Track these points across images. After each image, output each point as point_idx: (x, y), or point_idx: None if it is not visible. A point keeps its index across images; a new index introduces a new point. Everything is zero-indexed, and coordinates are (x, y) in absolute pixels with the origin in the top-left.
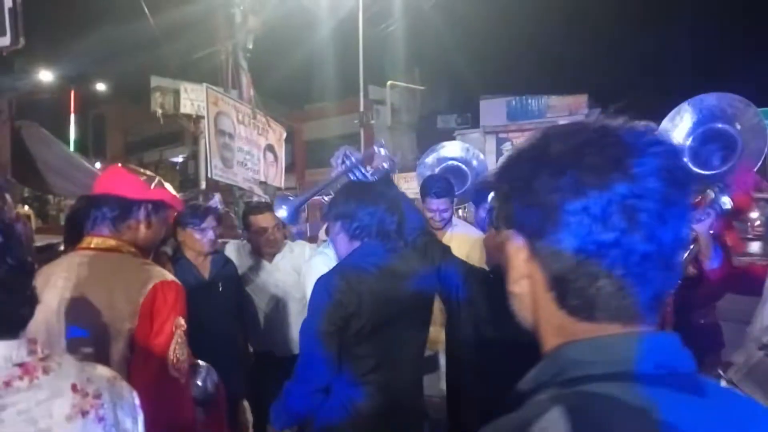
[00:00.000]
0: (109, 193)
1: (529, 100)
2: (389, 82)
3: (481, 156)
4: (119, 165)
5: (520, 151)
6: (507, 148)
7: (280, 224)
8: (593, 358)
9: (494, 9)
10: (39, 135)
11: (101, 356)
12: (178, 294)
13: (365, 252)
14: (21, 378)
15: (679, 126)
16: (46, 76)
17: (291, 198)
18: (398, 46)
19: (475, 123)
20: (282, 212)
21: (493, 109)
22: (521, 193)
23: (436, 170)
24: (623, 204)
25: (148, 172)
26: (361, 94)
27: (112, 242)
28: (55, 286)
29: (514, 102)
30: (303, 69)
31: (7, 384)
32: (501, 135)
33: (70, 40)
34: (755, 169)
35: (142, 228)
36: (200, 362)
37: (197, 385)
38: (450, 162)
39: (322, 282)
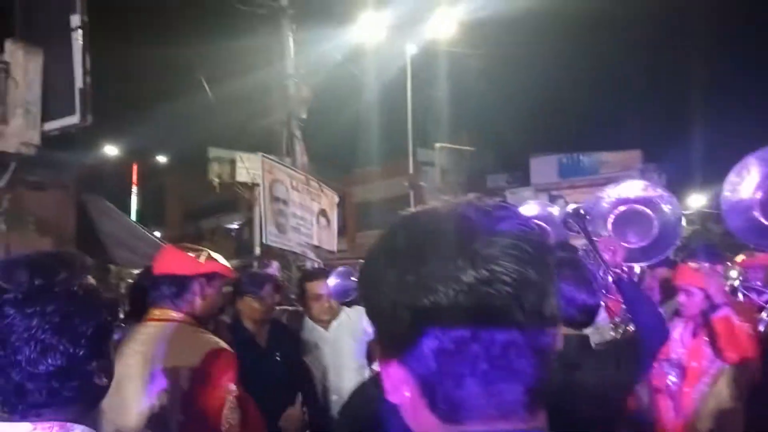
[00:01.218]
0: (166, 272)
1: (581, 157)
2: (438, 144)
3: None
4: (172, 245)
5: (372, 249)
6: (560, 206)
7: None
8: None
9: (542, 68)
10: (103, 207)
11: (160, 420)
12: (229, 360)
13: None
14: None
15: (747, 179)
16: (111, 150)
17: (354, 279)
18: (445, 109)
19: (525, 181)
20: (332, 280)
21: (544, 167)
22: (375, 297)
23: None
24: (473, 292)
25: (198, 247)
26: (411, 156)
27: (172, 314)
28: (124, 356)
29: (565, 159)
30: (353, 134)
31: None
32: (553, 192)
33: (133, 116)
34: None
35: (198, 300)
36: None
37: None
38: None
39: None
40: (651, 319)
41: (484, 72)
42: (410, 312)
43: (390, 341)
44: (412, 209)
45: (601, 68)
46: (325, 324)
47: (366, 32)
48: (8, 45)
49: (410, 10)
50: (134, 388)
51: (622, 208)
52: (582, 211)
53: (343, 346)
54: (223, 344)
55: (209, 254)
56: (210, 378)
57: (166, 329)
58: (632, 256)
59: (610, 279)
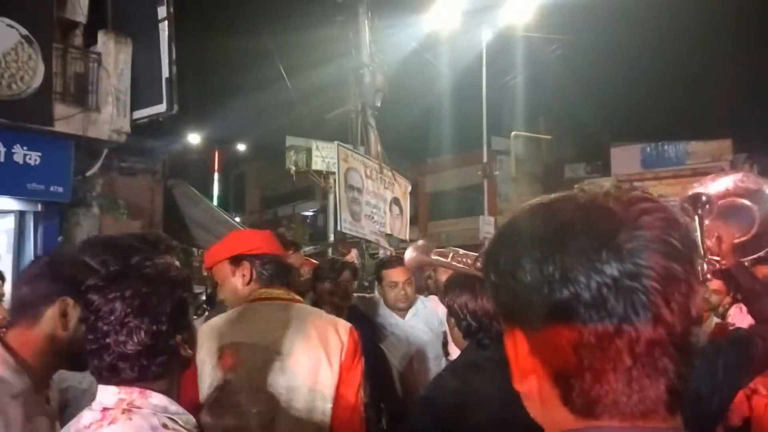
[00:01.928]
0: (278, 254)
1: (666, 147)
2: (513, 133)
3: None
4: (270, 231)
5: (502, 233)
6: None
7: (412, 279)
8: None
9: (623, 53)
10: (187, 192)
11: (309, 395)
12: (359, 338)
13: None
14: (101, 421)
15: None
16: (194, 138)
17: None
18: (522, 97)
19: (605, 171)
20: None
21: (625, 157)
22: (508, 284)
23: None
24: (618, 286)
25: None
26: (485, 145)
27: (293, 295)
28: (253, 335)
29: (648, 149)
30: (426, 123)
31: (87, 427)
32: (635, 184)
33: (216, 106)
34: None
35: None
36: None
37: None
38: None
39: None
40: None
41: (562, 57)
42: (549, 303)
43: (522, 330)
44: (549, 196)
45: (688, 52)
46: (401, 312)
47: (441, 19)
48: (101, 36)
49: None
50: (290, 363)
51: (720, 202)
52: (704, 198)
53: (418, 334)
54: None
55: None
56: (356, 354)
57: (302, 309)
58: (739, 250)
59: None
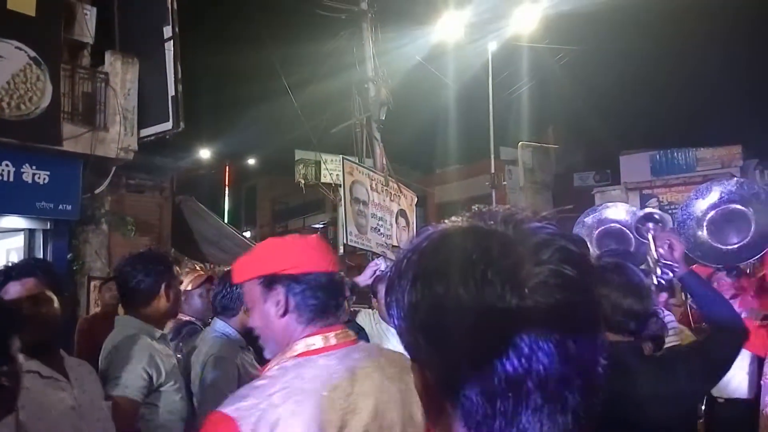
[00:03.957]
0: (321, 271)
1: (676, 153)
2: (521, 143)
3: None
4: (317, 236)
5: (402, 262)
6: (653, 205)
7: None
8: None
9: (631, 61)
10: (194, 207)
11: None
12: None
13: None
14: None
15: None
16: (205, 154)
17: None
18: (529, 106)
19: (615, 179)
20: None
21: (635, 165)
22: (410, 324)
23: (595, 232)
24: (522, 326)
25: None
26: (492, 155)
27: (342, 334)
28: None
29: (658, 156)
30: (434, 134)
31: None
32: (645, 191)
33: (226, 122)
34: None
35: None
36: None
37: None
38: (612, 225)
39: None
40: (723, 316)
41: (568, 67)
42: (453, 348)
43: (430, 372)
44: (450, 226)
45: (696, 58)
46: None
47: (446, 31)
48: (108, 56)
49: (491, 6)
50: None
51: (712, 212)
52: (657, 216)
53: None
54: None
55: None
56: None
57: (376, 352)
58: (732, 256)
59: (670, 275)
